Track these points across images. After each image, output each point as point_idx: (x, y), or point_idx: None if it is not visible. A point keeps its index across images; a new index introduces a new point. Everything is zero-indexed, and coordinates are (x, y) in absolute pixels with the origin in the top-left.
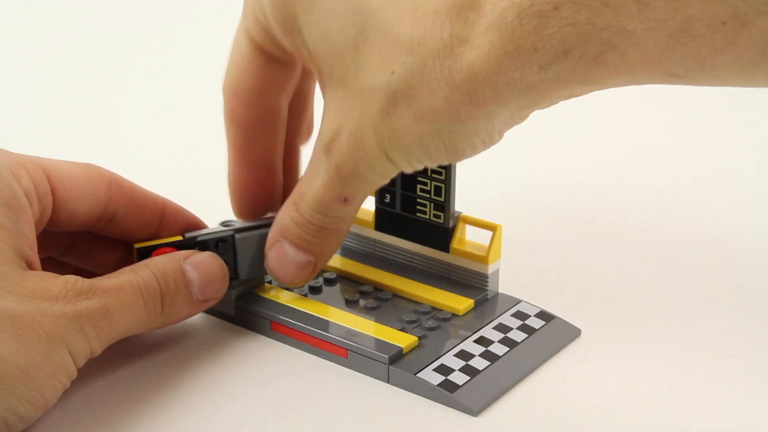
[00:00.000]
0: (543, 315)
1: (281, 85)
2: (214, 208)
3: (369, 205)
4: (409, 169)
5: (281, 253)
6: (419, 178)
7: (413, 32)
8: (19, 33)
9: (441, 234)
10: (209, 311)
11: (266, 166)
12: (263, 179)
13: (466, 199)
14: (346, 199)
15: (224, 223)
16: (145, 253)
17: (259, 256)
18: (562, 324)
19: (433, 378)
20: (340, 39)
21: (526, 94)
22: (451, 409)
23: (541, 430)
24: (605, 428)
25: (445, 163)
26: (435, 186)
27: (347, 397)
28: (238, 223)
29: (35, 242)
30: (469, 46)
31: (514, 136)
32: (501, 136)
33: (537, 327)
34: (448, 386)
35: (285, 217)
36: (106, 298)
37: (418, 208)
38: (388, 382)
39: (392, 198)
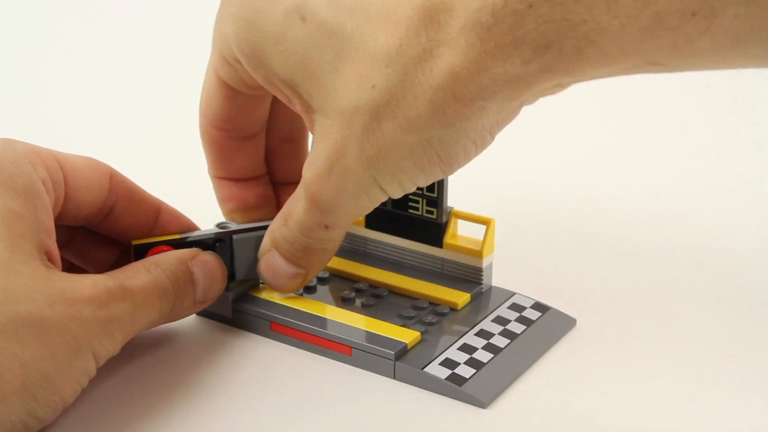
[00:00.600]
0: (538, 306)
1: (249, 112)
2: (214, 208)
3: None
4: (398, 193)
5: (272, 263)
6: None
7: (389, 43)
8: (19, 33)
9: (434, 229)
10: (206, 314)
11: (242, 179)
12: (241, 192)
13: (453, 193)
14: (327, 227)
15: (220, 225)
16: (143, 251)
17: (256, 257)
18: (558, 314)
19: (440, 372)
20: (318, 64)
21: (511, 85)
22: (459, 402)
23: (550, 420)
24: (612, 416)
25: (440, 176)
26: None
27: (354, 394)
28: (234, 225)
29: (53, 231)
30: (447, 47)
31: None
32: (493, 138)
33: (534, 318)
34: (456, 380)
35: (275, 230)
36: (134, 300)
37: (410, 205)
38: (394, 378)
39: None
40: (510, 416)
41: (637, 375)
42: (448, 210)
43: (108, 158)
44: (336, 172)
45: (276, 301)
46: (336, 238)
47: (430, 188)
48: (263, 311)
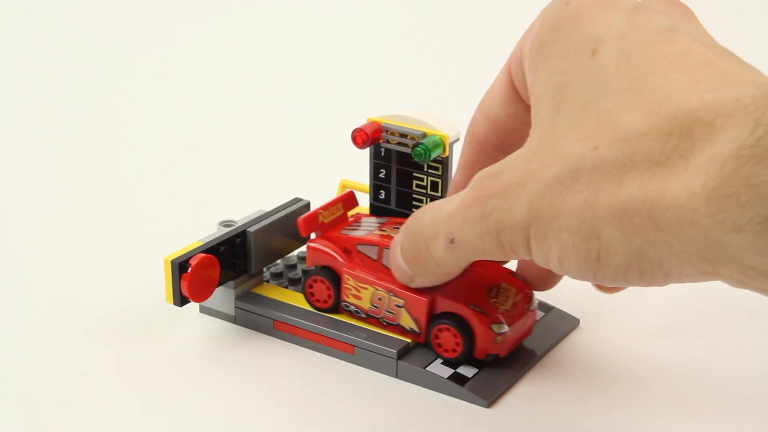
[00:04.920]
0: (541, 306)
1: (521, 121)
2: (214, 207)
3: (363, 202)
4: (539, 261)
5: (394, 244)
6: (415, 174)
7: (638, 124)
8: (19, 34)
9: None
10: (209, 312)
11: None
12: None
13: None
14: (452, 241)
15: (223, 223)
16: (185, 264)
17: (269, 246)
18: (561, 314)
19: (442, 371)
20: (572, 95)
21: (711, 247)
22: (461, 401)
23: (552, 419)
24: (614, 415)
25: (589, 276)
26: (432, 181)
27: (357, 392)
28: (237, 221)
29: None
30: (682, 168)
31: None
32: (666, 280)
33: (537, 318)
34: (458, 379)
35: (410, 218)
36: None
37: (414, 204)
38: (396, 377)
39: (387, 194)
40: (511, 416)
41: (639, 375)
42: None
43: (108, 158)
44: (506, 192)
45: (279, 300)
46: (443, 262)
47: (434, 188)
48: (266, 310)
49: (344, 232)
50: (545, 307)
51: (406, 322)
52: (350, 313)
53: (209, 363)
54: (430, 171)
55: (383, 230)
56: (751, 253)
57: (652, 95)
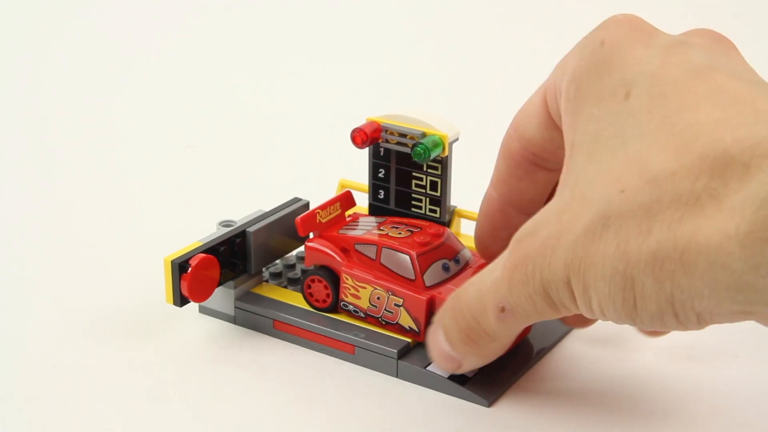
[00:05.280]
0: None
1: (555, 145)
2: (213, 207)
3: (362, 201)
4: (586, 312)
5: (434, 332)
6: (414, 174)
7: (667, 164)
8: (19, 33)
9: None
10: (209, 312)
11: (513, 202)
12: (508, 212)
13: (456, 192)
14: (503, 310)
15: (223, 223)
16: (185, 264)
17: (269, 246)
18: None
19: (443, 371)
20: (603, 137)
21: (743, 290)
22: (462, 400)
23: (552, 418)
24: (614, 414)
25: (626, 320)
26: (431, 181)
27: (357, 392)
28: (236, 221)
29: None
30: (714, 210)
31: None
32: (701, 324)
33: None
34: (459, 378)
35: (450, 299)
36: None
37: (413, 204)
38: (396, 377)
39: (386, 194)
40: (512, 415)
41: (638, 374)
42: (452, 209)
43: (108, 158)
44: (543, 249)
45: (279, 300)
46: (498, 335)
47: (434, 187)
48: (266, 310)
49: (342, 231)
50: None
51: (405, 321)
52: (349, 313)
53: (209, 363)
54: (429, 171)
55: (381, 229)
56: None
57: (683, 133)
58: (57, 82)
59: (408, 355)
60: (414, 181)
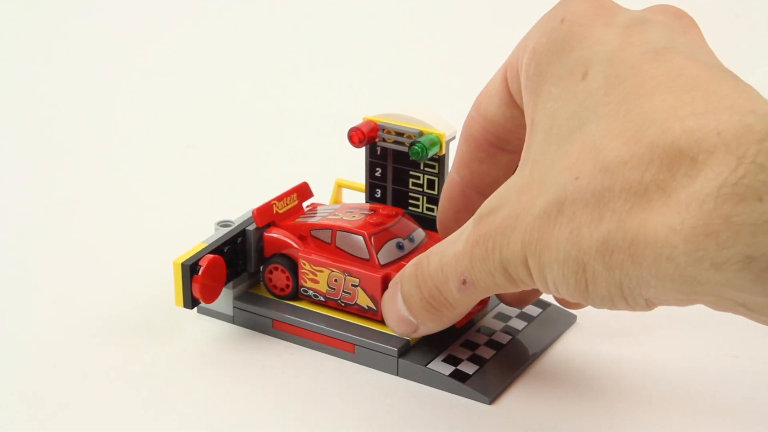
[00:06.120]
0: (538, 303)
1: (516, 124)
2: (213, 207)
3: (360, 200)
4: (542, 288)
5: (392, 297)
6: (411, 172)
7: (619, 152)
8: (19, 33)
9: (434, 227)
10: (208, 312)
11: (475, 185)
12: (470, 195)
13: None
14: (464, 282)
15: (221, 223)
16: (195, 265)
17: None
18: (558, 311)
19: (443, 368)
20: (561, 122)
21: (688, 283)
22: (462, 398)
23: (552, 415)
24: (613, 412)
25: (581, 301)
26: (428, 179)
27: (358, 391)
28: (235, 221)
29: None
30: (661, 203)
31: None
32: (649, 307)
33: (535, 315)
34: (459, 376)
35: (411, 266)
36: None
37: (410, 202)
38: (397, 375)
39: (383, 193)
40: (513, 412)
41: (639, 371)
42: None
43: (108, 158)
44: (503, 228)
45: (278, 300)
46: (459, 304)
47: (431, 186)
48: (265, 309)
49: (299, 220)
50: (542, 304)
51: (363, 300)
52: (310, 298)
53: (208, 363)
54: (426, 169)
55: (336, 215)
56: (728, 288)
57: (636, 121)
58: (57, 82)
59: (408, 353)
60: (411, 180)
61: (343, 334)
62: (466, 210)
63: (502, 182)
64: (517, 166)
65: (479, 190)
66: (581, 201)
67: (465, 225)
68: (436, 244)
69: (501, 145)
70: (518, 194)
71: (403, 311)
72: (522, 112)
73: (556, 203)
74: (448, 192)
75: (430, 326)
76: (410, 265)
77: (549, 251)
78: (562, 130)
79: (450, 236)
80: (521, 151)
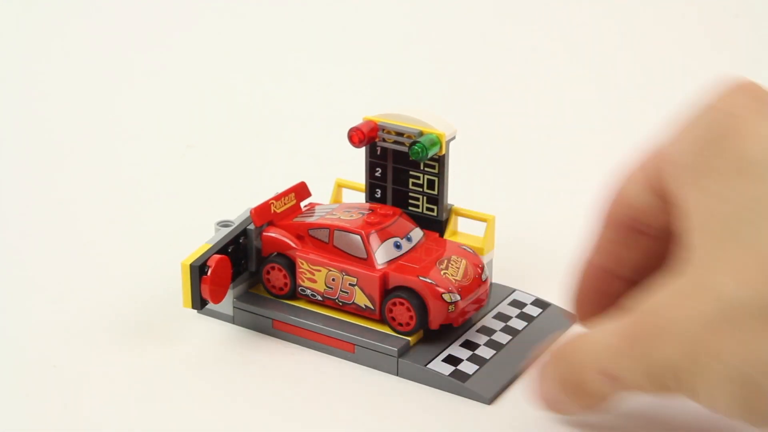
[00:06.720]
0: (538, 303)
1: (659, 211)
2: (213, 208)
3: (360, 200)
4: (693, 400)
5: (543, 379)
6: (411, 172)
7: (741, 294)
8: (19, 33)
9: (434, 226)
10: (208, 313)
11: (615, 269)
12: (609, 279)
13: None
14: (612, 377)
15: (221, 223)
16: (204, 267)
17: None
18: (558, 310)
19: (443, 368)
20: (729, 233)
21: None
22: (462, 398)
23: (552, 416)
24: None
25: (743, 421)
26: (428, 180)
27: (357, 391)
28: (236, 221)
29: None
30: None
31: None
32: None
33: (535, 315)
34: (459, 376)
35: (560, 352)
36: None
37: (410, 202)
38: (397, 375)
39: (383, 193)
40: (513, 412)
41: None
42: (449, 207)
43: (108, 158)
44: (665, 332)
45: (278, 300)
46: (593, 398)
47: (431, 186)
48: (265, 309)
49: (297, 219)
50: (542, 304)
51: (361, 299)
52: (308, 298)
53: (208, 363)
54: (426, 169)
55: (333, 214)
56: None
57: None
58: (57, 82)
59: (408, 353)
60: (411, 180)
61: (343, 334)
62: (606, 293)
63: (642, 267)
64: (655, 251)
65: (620, 274)
66: (749, 313)
67: (617, 319)
68: (586, 334)
69: (643, 229)
70: (681, 299)
71: (552, 393)
72: (665, 200)
73: (726, 312)
74: (587, 274)
75: (577, 410)
76: (560, 350)
77: (714, 364)
78: (725, 232)
79: (598, 328)
80: (662, 235)
